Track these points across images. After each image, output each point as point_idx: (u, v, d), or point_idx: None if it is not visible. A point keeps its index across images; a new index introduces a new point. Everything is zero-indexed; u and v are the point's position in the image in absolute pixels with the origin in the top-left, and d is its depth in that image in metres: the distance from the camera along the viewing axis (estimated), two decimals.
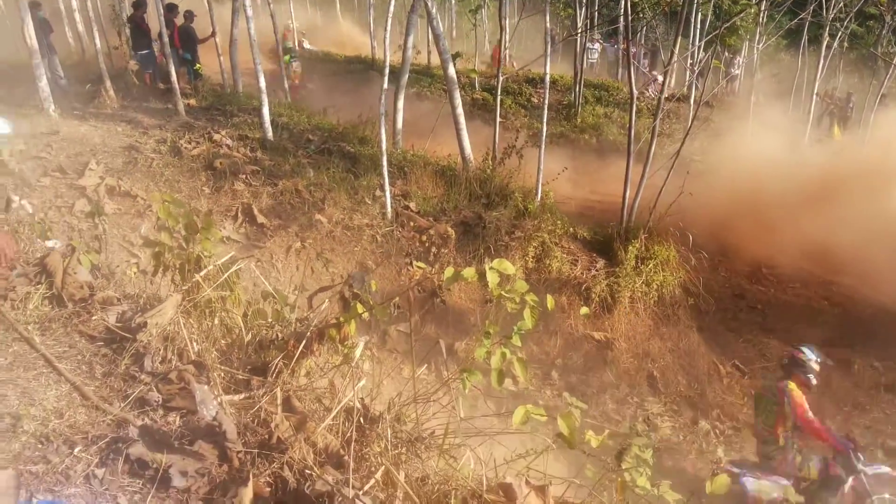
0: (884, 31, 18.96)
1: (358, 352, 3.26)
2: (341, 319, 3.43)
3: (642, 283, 8.88)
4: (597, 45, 23.57)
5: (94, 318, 3.59)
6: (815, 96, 16.31)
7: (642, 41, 24.68)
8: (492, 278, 2.87)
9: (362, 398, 3.19)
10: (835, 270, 9.57)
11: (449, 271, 3.00)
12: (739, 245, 10.21)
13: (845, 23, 16.82)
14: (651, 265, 9.01)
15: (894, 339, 8.40)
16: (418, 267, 3.42)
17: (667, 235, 9.35)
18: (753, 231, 10.56)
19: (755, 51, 15.93)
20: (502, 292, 2.89)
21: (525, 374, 3.23)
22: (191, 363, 3.26)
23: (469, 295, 8.30)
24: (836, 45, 17.65)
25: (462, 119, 10.05)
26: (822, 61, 15.95)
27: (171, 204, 3.85)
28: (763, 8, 14.30)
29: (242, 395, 3.17)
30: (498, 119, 10.44)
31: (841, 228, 9.75)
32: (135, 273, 4.57)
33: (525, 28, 27.19)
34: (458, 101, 10.03)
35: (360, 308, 3.42)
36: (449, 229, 8.62)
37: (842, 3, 14.98)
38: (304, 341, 3.36)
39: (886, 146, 12.43)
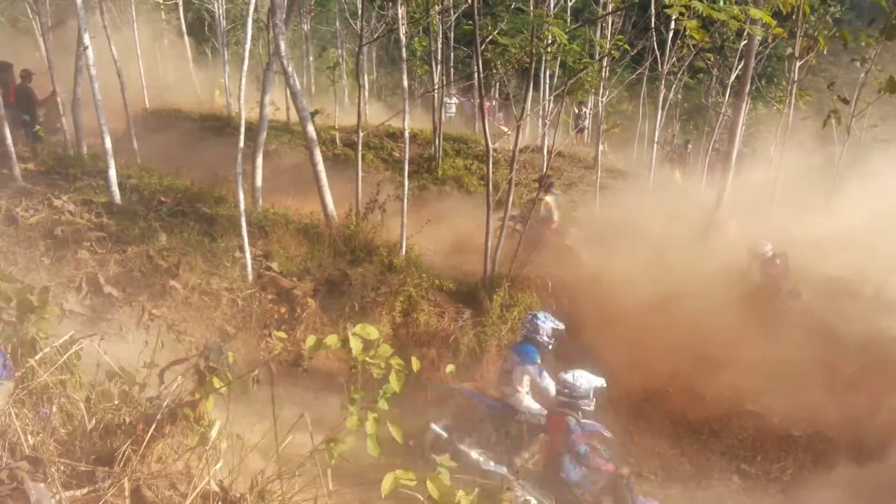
0: (712, 84, 20.76)
1: (214, 431, 3.07)
2: (196, 396, 3.23)
3: (508, 330, 9.06)
4: (454, 100, 24.34)
5: None
6: (655, 144, 17.55)
7: (496, 95, 25.76)
8: (355, 344, 2.81)
9: (221, 480, 2.99)
10: (678, 292, 10.07)
11: (310, 340, 2.91)
12: (596, 285, 10.65)
13: (678, 76, 18.31)
14: (516, 312, 9.22)
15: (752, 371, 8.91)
16: (277, 337, 3.30)
17: (529, 283, 9.63)
18: (608, 270, 11.11)
19: (599, 103, 17.00)
20: (366, 358, 2.84)
21: (400, 436, 3.18)
22: (24, 459, 2.94)
23: (338, 355, 8.13)
24: (671, 96, 19.14)
25: (323, 175, 9.99)
26: (659, 111, 17.26)
27: (4, 281, 3.52)
28: (605, 64, 15.32)
29: (86, 490, 2.88)
30: (360, 174, 10.46)
31: (683, 266, 10.39)
32: None
33: (384, 83, 27.77)
34: (319, 158, 9.97)
35: (216, 382, 3.24)
36: (308, 297, 8.45)
37: (674, 59, 16.31)
38: (154, 423, 3.12)
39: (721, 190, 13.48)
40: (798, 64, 12.56)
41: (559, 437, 6.11)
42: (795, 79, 12.70)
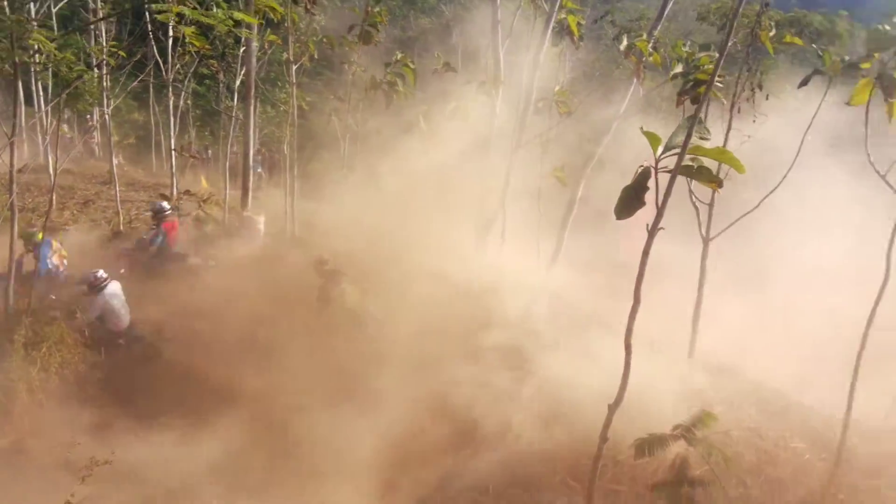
0: (220, 89, 21.19)
1: None
2: None
3: (38, 370, 8.13)
4: None
5: None
6: (173, 151, 17.24)
7: None
8: None
9: None
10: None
11: None
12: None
13: (185, 83, 18.21)
14: (44, 349, 8.33)
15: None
16: None
17: (56, 314, 8.86)
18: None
19: (106, 114, 16.02)
20: None
21: None
22: None
23: None
24: (182, 103, 18.95)
25: None
26: (172, 119, 16.98)
27: None
28: (104, 72, 14.47)
29: None
30: None
31: None
32: None
33: None
34: None
35: None
36: None
37: (178, 66, 16.15)
38: None
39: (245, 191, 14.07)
40: (294, 67, 13.66)
41: None
42: (294, 81, 13.80)
